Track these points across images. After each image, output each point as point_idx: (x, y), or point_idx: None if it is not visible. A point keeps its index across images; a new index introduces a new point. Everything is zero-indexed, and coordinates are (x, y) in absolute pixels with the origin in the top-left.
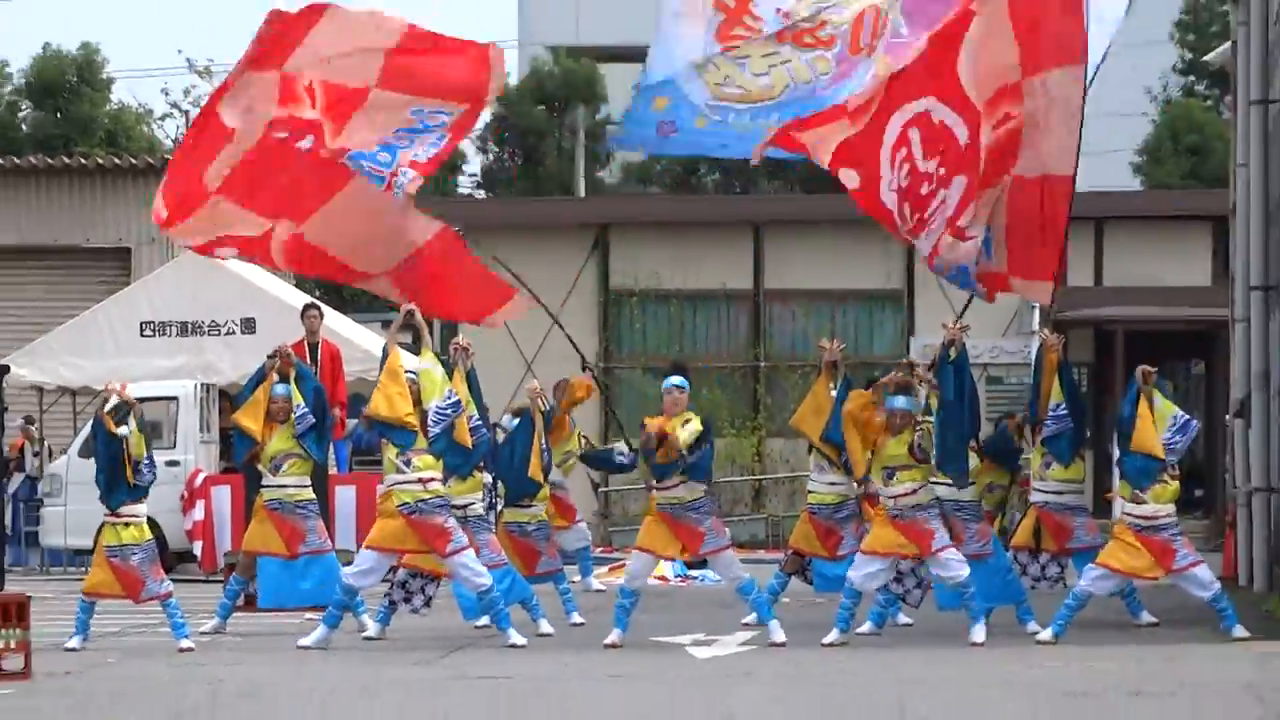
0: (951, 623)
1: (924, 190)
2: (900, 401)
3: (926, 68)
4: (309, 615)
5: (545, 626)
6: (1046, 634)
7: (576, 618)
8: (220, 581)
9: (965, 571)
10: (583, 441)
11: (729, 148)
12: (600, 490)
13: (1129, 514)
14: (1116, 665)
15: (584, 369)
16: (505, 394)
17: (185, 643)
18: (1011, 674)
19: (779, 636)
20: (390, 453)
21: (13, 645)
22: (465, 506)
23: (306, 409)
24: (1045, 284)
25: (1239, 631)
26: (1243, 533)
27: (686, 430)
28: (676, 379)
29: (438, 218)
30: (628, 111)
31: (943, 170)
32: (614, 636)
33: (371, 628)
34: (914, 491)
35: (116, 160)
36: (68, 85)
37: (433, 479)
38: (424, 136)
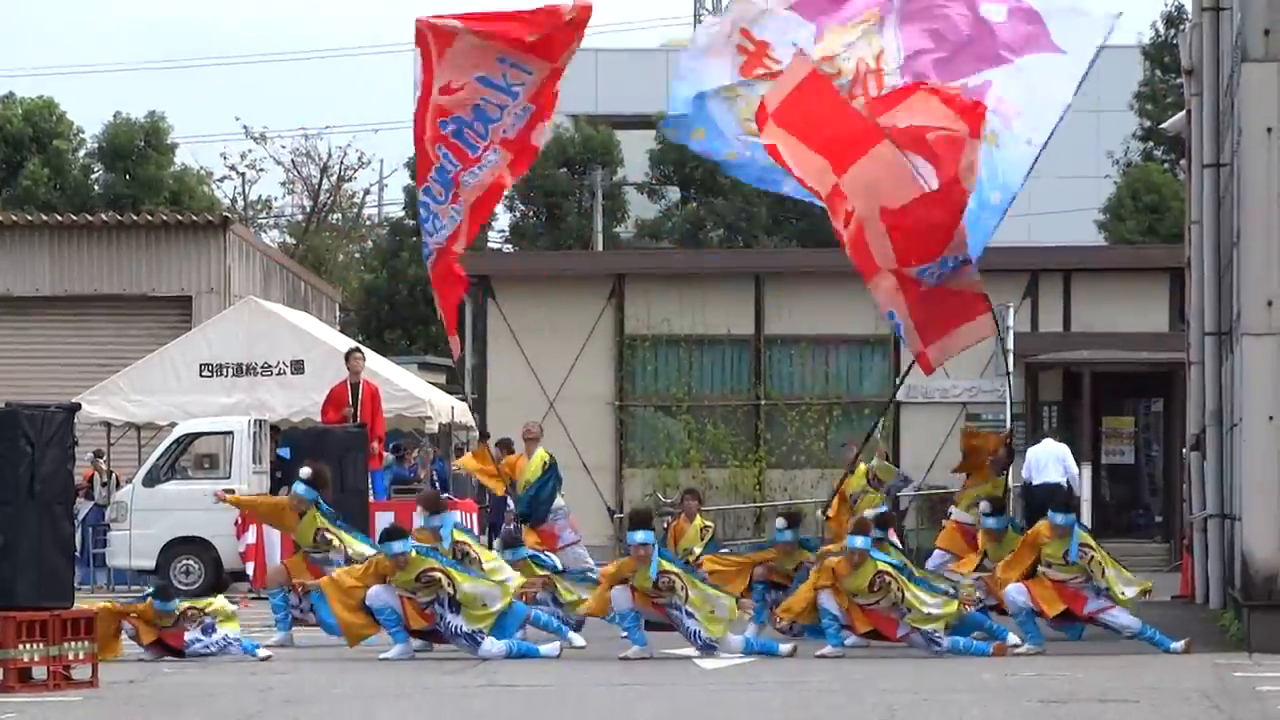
0: None
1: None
2: (859, 541)
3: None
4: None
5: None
6: (1026, 646)
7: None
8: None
9: None
10: (544, 464)
11: (764, 182)
12: (616, 516)
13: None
14: (1085, 675)
15: (481, 438)
16: None
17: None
18: (990, 683)
19: (787, 648)
20: None
21: (81, 656)
22: None
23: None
24: (985, 317)
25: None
26: (1199, 555)
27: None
28: (640, 535)
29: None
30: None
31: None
32: (633, 651)
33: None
34: (878, 601)
35: (179, 218)
36: (136, 150)
37: None
38: (511, 105)
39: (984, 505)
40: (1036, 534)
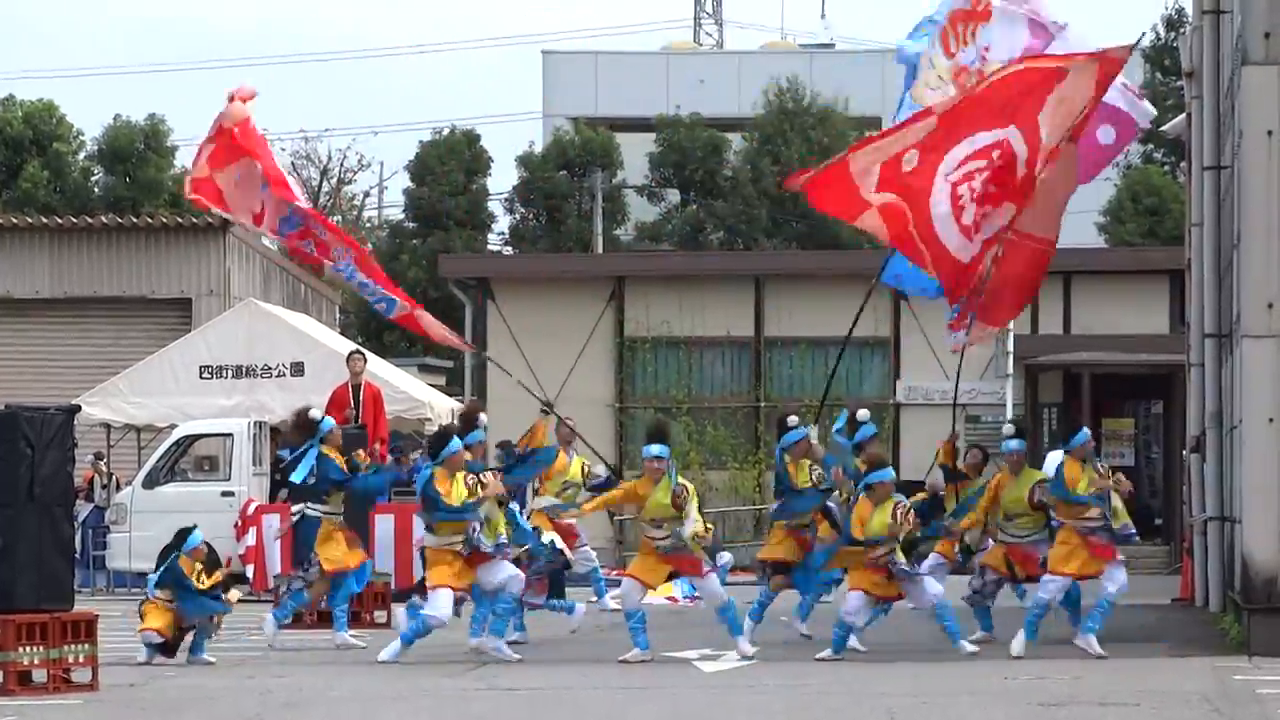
0: (939, 642)
1: (986, 211)
2: (890, 474)
3: (1013, 99)
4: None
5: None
6: (1019, 646)
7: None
8: (269, 601)
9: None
10: (585, 468)
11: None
12: (616, 518)
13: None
14: (1085, 677)
15: (544, 413)
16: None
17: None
18: (989, 686)
19: (747, 649)
20: None
21: (81, 659)
22: None
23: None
24: (992, 330)
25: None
26: (1199, 558)
27: (692, 525)
28: (656, 448)
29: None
30: (914, 33)
31: (995, 190)
32: (633, 654)
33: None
34: (890, 551)
35: (179, 220)
36: (136, 152)
37: None
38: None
39: (1007, 429)
40: (1072, 475)
